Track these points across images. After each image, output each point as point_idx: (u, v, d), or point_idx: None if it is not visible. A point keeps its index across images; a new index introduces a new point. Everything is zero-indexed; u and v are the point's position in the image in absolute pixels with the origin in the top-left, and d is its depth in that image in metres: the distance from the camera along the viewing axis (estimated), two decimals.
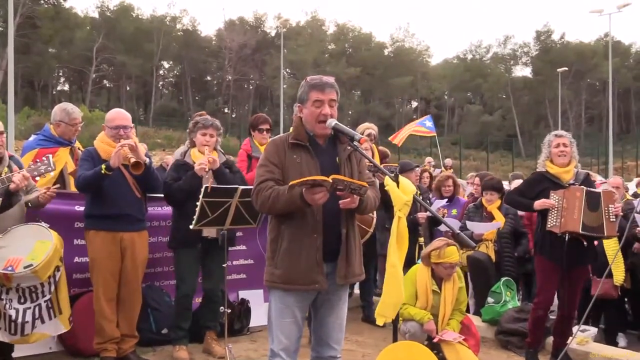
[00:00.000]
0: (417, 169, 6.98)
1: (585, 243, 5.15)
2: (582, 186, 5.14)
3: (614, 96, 53.24)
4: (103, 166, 4.60)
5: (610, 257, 5.85)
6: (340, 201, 3.18)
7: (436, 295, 5.33)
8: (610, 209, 5.07)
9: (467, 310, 6.12)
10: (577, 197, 5.05)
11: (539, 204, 5.23)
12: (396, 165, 7.10)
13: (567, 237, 5.09)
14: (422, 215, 6.60)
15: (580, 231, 5.01)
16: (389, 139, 17.67)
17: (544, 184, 5.33)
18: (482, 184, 7.39)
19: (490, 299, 6.44)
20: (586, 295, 6.00)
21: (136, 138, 5.05)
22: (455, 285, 5.37)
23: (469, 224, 6.78)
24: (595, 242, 5.62)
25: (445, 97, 75.48)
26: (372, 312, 6.42)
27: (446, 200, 7.90)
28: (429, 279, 5.34)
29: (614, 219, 5.10)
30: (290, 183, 3.08)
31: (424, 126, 18.47)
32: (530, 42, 72.05)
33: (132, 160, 4.51)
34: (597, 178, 8.87)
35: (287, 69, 64.45)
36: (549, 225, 5.15)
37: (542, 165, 5.44)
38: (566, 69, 50.72)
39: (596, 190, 5.29)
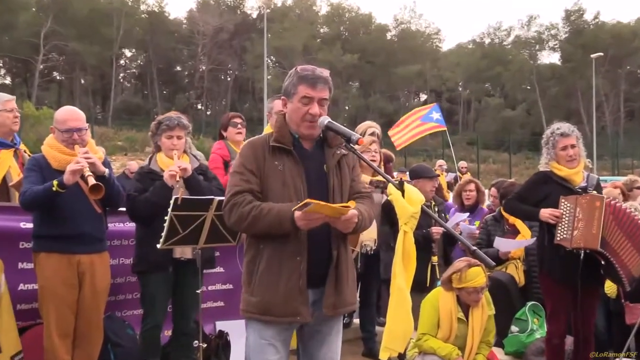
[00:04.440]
0: (435, 178, 6.93)
1: (602, 261, 5.20)
2: (603, 195, 5.19)
3: None
4: (55, 182, 4.53)
5: None
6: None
7: (462, 324, 5.32)
8: None
9: None
10: (595, 207, 5.07)
11: (546, 213, 5.24)
12: (404, 177, 7.08)
13: (582, 254, 5.16)
14: (436, 231, 6.56)
15: (599, 248, 5.05)
16: (390, 135, 17.37)
17: (550, 186, 5.36)
18: (500, 192, 7.38)
19: (514, 328, 6.46)
20: (620, 321, 6.02)
21: (92, 141, 5.04)
22: (484, 312, 5.37)
23: (496, 240, 6.73)
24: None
25: (460, 89, 75.72)
26: (375, 344, 6.43)
27: (467, 214, 7.84)
28: (454, 304, 5.32)
29: None
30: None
31: (430, 121, 18.05)
32: (558, 24, 72.55)
33: (91, 181, 4.43)
34: None
35: (272, 57, 64.58)
36: (557, 238, 5.17)
37: (545, 166, 5.47)
38: (601, 54, 50.92)
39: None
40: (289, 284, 3.21)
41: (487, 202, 9.03)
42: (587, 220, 5.07)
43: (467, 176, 17.33)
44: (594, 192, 5.40)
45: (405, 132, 17.67)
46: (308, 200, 3.00)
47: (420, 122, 17.74)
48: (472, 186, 8.04)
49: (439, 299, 5.39)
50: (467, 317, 5.34)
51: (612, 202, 5.23)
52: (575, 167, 5.36)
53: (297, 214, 3.03)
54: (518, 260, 6.85)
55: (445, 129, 18.35)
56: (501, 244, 6.74)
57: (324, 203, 3.01)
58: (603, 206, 5.07)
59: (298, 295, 3.22)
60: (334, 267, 3.31)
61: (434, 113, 17.86)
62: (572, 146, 5.33)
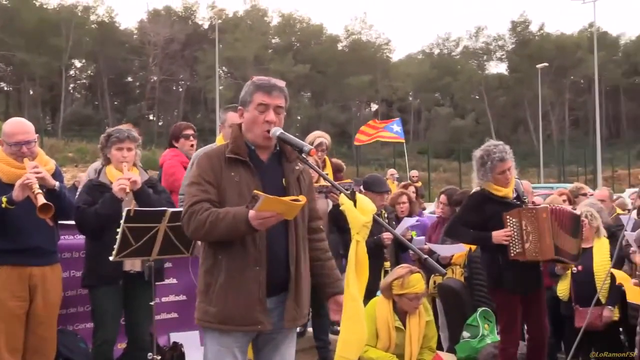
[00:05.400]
0: (384, 194, 6.99)
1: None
2: (545, 205, 5.38)
3: (601, 95, 54.91)
4: (4, 199, 4.48)
5: (599, 281, 6.01)
6: None
7: (400, 333, 5.36)
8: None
9: (440, 347, 6.19)
10: (543, 219, 5.23)
11: (500, 236, 5.34)
12: (350, 181, 7.13)
13: (540, 264, 5.43)
14: (387, 236, 6.62)
15: (555, 256, 5.30)
16: (354, 140, 18.45)
17: (490, 206, 5.46)
18: (449, 200, 7.46)
19: (465, 333, 6.52)
20: (571, 325, 6.17)
21: (42, 151, 4.97)
22: (421, 319, 5.42)
23: (432, 246, 6.87)
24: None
25: (410, 99, 76.45)
26: (329, 353, 6.43)
27: (416, 219, 7.92)
28: (390, 313, 5.37)
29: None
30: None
31: (390, 131, 18.88)
32: (505, 35, 73.89)
33: (40, 200, 4.35)
34: (587, 190, 9.12)
35: (224, 67, 64.36)
36: (512, 254, 5.31)
37: (479, 185, 5.56)
38: (546, 64, 51.98)
39: (572, 211, 5.53)
40: (250, 294, 3.22)
41: (431, 208, 9.13)
42: (539, 233, 5.23)
43: (418, 185, 17.62)
44: (526, 199, 5.61)
45: (366, 135, 19.19)
46: (256, 192, 2.99)
47: (383, 130, 18.76)
48: (404, 198, 8.07)
49: (376, 309, 5.42)
50: (404, 325, 5.38)
51: (553, 208, 5.44)
52: (510, 185, 5.50)
53: (251, 213, 3.03)
54: (457, 267, 6.94)
55: (404, 141, 18.99)
56: (438, 249, 6.84)
57: (273, 197, 2.99)
58: (549, 217, 5.23)
59: (258, 304, 3.24)
60: (293, 281, 3.33)
61: (395, 126, 18.81)
62: (509, 169, 5.42)
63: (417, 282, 5.30)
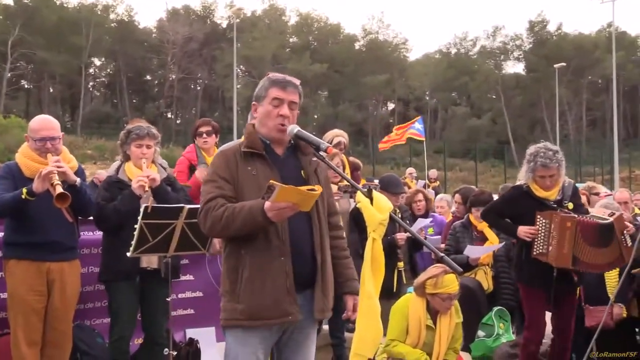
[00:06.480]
0: (399, 195, 6.97)
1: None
2: (574, 215, 5.32)
3: (619, 95, 54.44)
4: (24, 190, 4.50)
5: (611, 283, 5.96)
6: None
7: (430, 331, 5.35)
8: (625, 234, 5.28)
9: None
10: (566, 227, 5.22)
11: (524, 232, 5.39)
12: (374, 183, 7.12)
13: (555, 271, 5.34)
14: (401, 237, 6.60)
15: (570, 267, 5.25)
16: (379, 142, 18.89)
17: (528, 202, 5.48)
18: (463, 200, 7.47)
19: (480, 332, 6.51)
20: (580, 325, 6.12)
21: (66, 149, 5.00)
22: (452, 319, 5.41)
23: (467, 249, 6.84)
24: None
25: (427, 98, 76.22)
26: (344, 350, 6.43)
27: (430, 220, 7.93)
28: (423, 312, 5.37)
29: (631, 243, 5.29)
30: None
31: (413, 129, 19.11)
32: (522, 34, 73.43)
33: (58, 190, 4.37)
34: (602, 190, 9.04)
35: (241, 66, 64.45)
36: (535, 253, 5.34)
37: (523, 178, 5.57)
38: (564, 64, 51.68)
39: (603, 220, 5.43)
40: (276, 284, 3.19)
41: (452, 208, 9.11)
42: (559, 239, 5.23)
43: (436, 184, 17.57)
44: (569, 205, 5.51)
45: (389, 141, 19.96)
46: (272, 182, 2.98)
47: (404, 130, 19.10)
48: (420, 196, 8.23)
49: (409, 306, 5.42)
50: (435, 324, 5.38)
51: (582, 219, 5.35)
52: (552, 190, 5.47)
53: (267, 204, 3.01)
54: (487, 267, 6.93)
55: (423, 139, 19.07)
56: (471, 251, 6.82)
57: (289, 186, 2.97)
58: (574, 227, 5.21)
59: (286, 295, 3.20)
60: (320, 271, 3.32)
61: (417, 124, 19.05)
62: (551, 176, 5.41)
63: (450, 283, 5.29)
